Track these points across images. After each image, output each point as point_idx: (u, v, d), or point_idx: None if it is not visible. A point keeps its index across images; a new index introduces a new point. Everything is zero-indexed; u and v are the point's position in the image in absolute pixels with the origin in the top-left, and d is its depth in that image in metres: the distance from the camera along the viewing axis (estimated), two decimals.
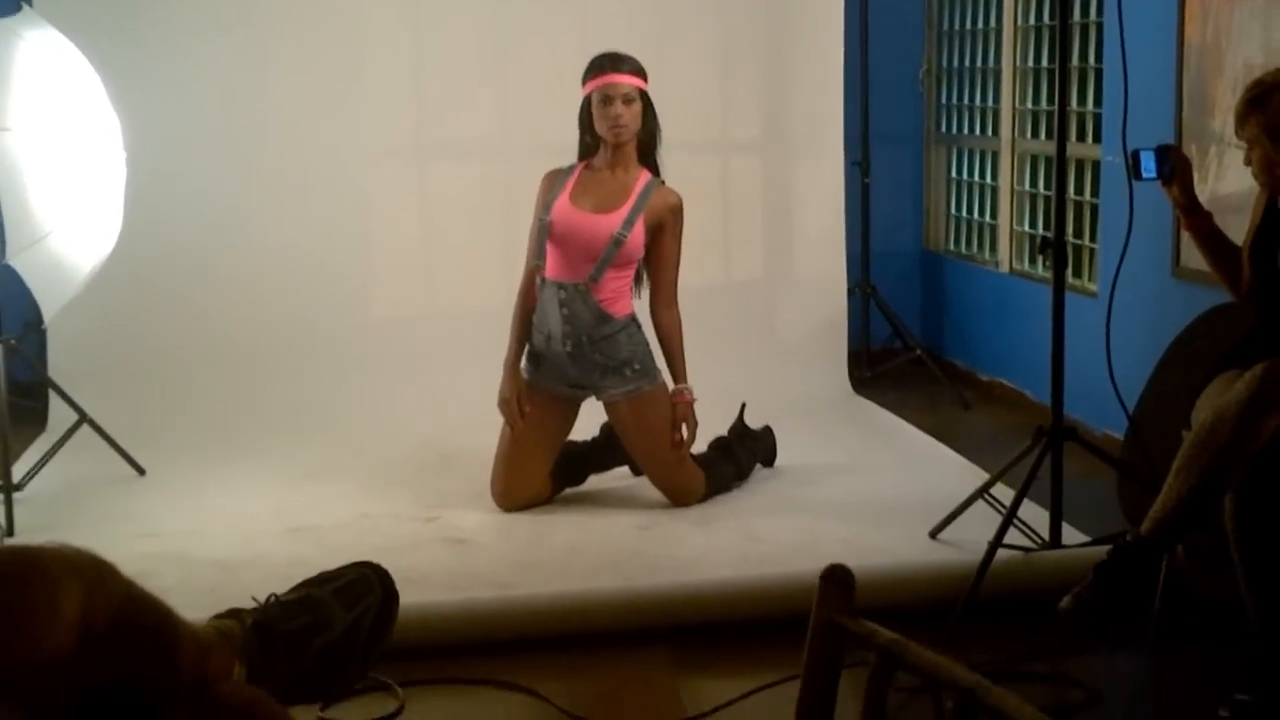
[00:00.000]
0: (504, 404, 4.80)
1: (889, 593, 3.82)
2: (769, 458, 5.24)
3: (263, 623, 2.51)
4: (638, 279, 4.82)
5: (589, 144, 4.79)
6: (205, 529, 4.59)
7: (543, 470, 4.83)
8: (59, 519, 4.54)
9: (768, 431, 5.26)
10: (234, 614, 2.55)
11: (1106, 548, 3.68)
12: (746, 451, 5.13)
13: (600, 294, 4.70)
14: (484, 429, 4.96)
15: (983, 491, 4.28)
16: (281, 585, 2.67)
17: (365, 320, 6.13)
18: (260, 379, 5.89)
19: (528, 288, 4.83)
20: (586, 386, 4.83)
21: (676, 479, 4.83)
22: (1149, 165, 3.76)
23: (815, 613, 2.67)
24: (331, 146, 6.12)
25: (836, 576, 2.67)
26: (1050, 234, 4.12)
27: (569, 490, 4.93)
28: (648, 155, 4.80)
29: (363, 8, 6.18)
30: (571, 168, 4.82)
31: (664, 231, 4.76)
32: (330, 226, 6.14)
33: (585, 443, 5.02)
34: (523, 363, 4.84)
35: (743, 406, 5.23)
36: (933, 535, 4.35)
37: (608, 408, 4.85)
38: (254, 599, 2.61)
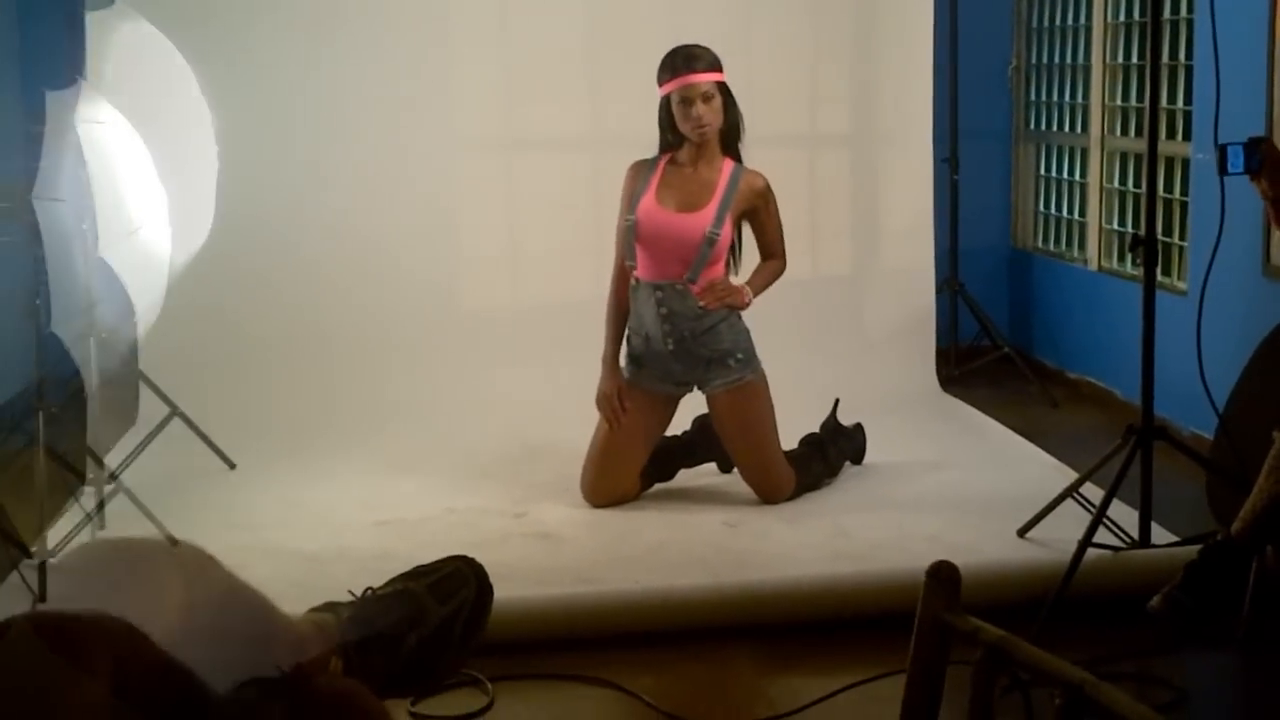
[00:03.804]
0: (603, 401, 4.82)
1: (977, 591, 3.77)
2: (858, 455, 5.25)
3: (359, 617, 2.54)
4: (728, 262, 4.84)
5: (670, 141, 4.81)
6: (294, 522, 4.64)
7: (635, 468, 4.86)
8: (151, 509, 4.52)
9: (859, 429, 5.27)
10: (330, 607, 2.59)
11: (1196, 547, 3.69)
12: (837, 449, 5.14)
13: (698, 289, 4.74)
14: (571, 423, 5.01)
15: (1072, 490, 4.27)
16: (369, 578, 2.71)
17: (453, 314, 6.16)
18: (349, 373, 5.93)
19: (619, 283, 4.85)
20: (690, 381, 4.86)
21: (769, 475, 4.85)
22: (1236, 159, 3.73)
23: (921, 609, 2.65)
24: (420, 140, 6.16)
25: (943, 573, 2.66)
26: (1140, 232, 4.11)
27: (658, 486, 4.96)
28: (731, 145, 4.82)
29: (448, 6, 6.21)
30: (655, 161, 4.84)
31: (757, 214, 4.81)
32: (419, 220, 6.18)
33: (677, 438, 5.04)
34: (622, 362, 4.88)
35: (836, 403, 5.24)
36: (1021, 533, 4.35)
37: (710, 400, 4.86)
38: (350, 593, 2.65)
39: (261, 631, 2.08)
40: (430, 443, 5.46)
